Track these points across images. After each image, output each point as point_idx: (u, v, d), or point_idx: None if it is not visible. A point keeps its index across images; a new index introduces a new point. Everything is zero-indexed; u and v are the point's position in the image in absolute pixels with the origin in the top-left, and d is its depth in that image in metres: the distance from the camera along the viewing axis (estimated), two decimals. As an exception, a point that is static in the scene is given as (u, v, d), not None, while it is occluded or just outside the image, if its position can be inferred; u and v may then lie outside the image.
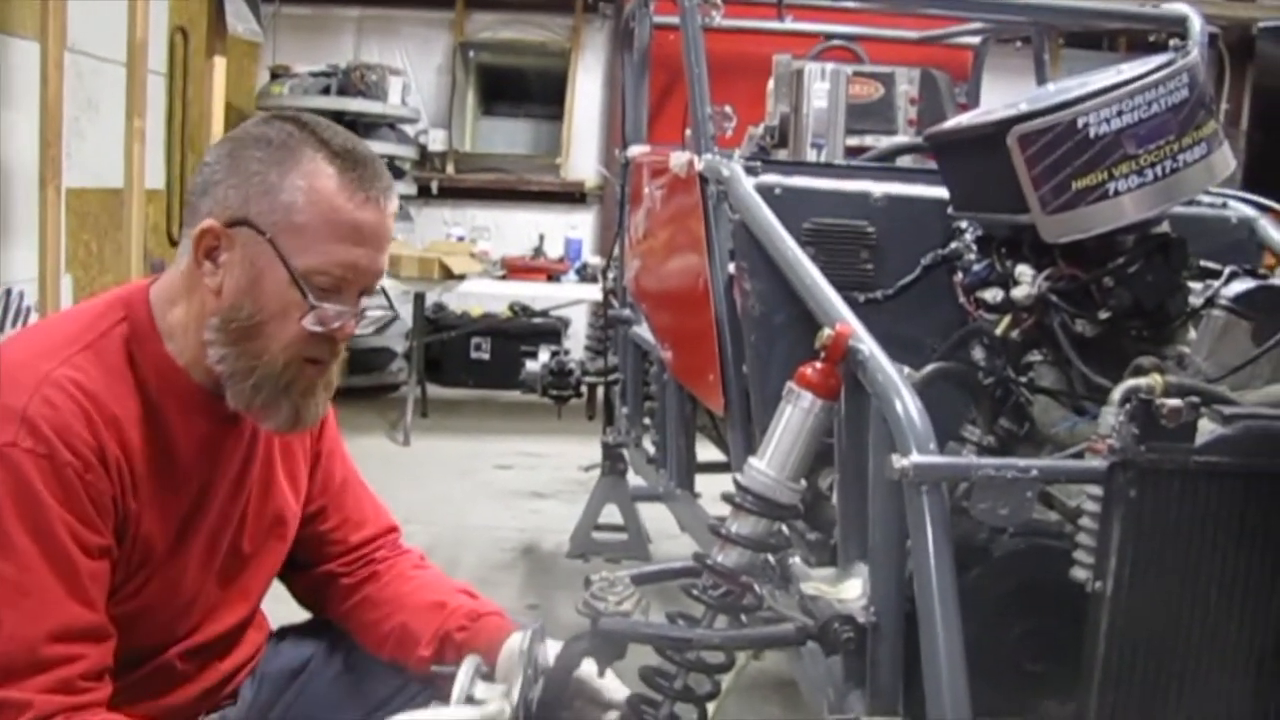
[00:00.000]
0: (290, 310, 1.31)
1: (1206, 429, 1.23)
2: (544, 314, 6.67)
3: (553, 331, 6.60)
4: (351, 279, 1.34)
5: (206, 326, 1.33)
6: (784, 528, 1.59)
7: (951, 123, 1.90)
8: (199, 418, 1.38)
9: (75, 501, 1.23)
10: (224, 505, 1.44)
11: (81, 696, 1.22)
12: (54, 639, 1.21)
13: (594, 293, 5.78)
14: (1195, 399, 1.23)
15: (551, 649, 1.43)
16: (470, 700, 1.33)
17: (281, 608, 1.70)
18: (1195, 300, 1.63)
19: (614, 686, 1.46)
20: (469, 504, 4.60)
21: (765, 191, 1.96)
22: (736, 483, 1.51)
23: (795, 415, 1.49)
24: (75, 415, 1.25)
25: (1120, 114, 1.52)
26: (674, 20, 2.47)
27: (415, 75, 6.88)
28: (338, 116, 6.23)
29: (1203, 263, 1.72)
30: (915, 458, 1.31)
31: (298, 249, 1.30)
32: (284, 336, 1.32)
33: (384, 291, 1.34)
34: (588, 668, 1.42)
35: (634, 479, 3.60)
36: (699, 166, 2.20)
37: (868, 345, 1.48)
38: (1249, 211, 2.10)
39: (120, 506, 1.29)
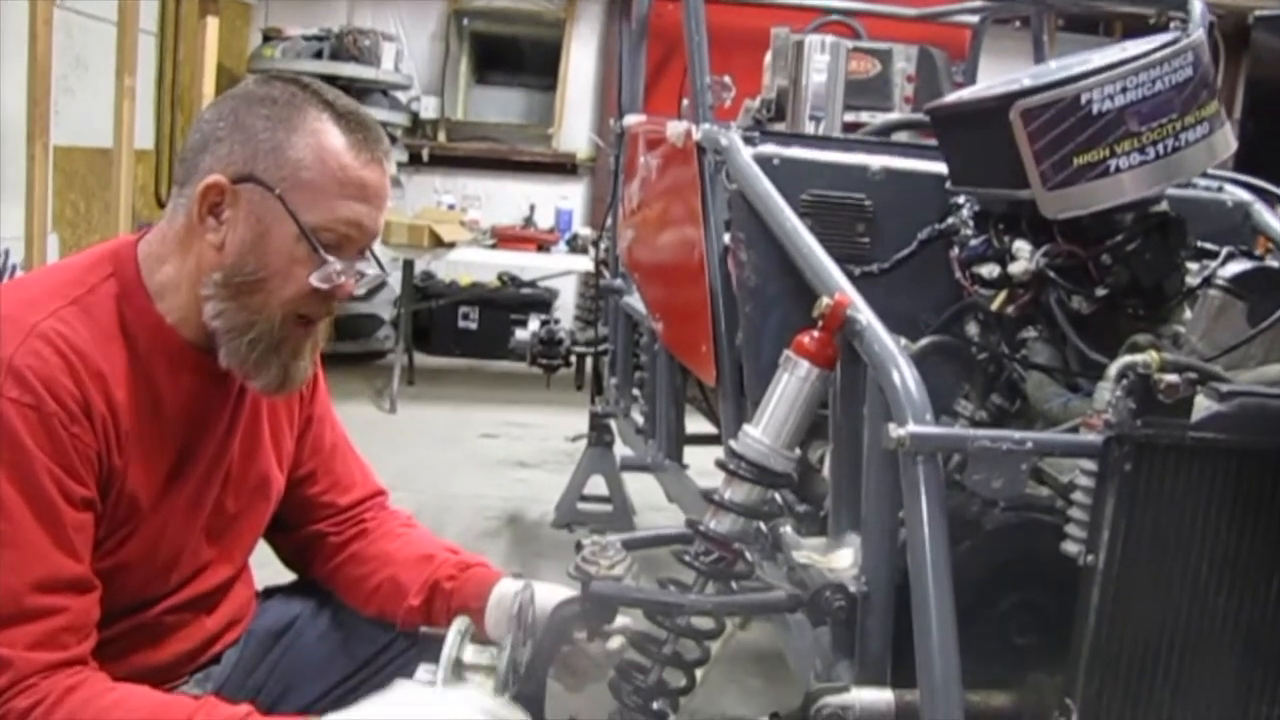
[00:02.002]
0: (294, 267, 1.32)
1: (1202, 405, 1.23)
2: (532, 284, 6.65)
3: (541, 302, 6.59)
4: (355, 236, 1.36)
5: (205, 283, 1.33)
6: (777, 496, 1.59)
7: (953, 97, 1.89)
8: (187, 375, 1.37)
9: (61, 452, 1.22)
10: (209, 463, 1.43)
11: (63, 652, 1.21)
12: (38, 589, 1.20)
13: (583, 264, 5.78)
14: (1192, 375, 1.23)
15: (542, 593, 1.43)
16: (459, 664, 1.32)
17: (265, 571, 1.70)
18: (1192, 280, 1.64)
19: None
20: (454, 472, 4.60)
21: (763, 162, 1.95)
22: (730, 449, 1.51)
23: (791, 383, 1.49)
24: (61, 369, 1.24)
25: (1124, 91, 1.51)
26: (674, -11, 2.45)
27: (409, 42, 6.82)
28: (330, 81, 6.07)
29: (1200, 244, 1.72)
30: (912, 427, 1.31)
31: (306, 205, 1.31)
32: (285, 293, 1.33)
33: (374, 255, 1.39)
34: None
35: (621, 449, 3.61)
36: (697, 136, 2.19)
37: (865, 315, 1.48)
38: (1245, 195, 2.10)
39: (105, 462, 1.28)
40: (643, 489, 3.71)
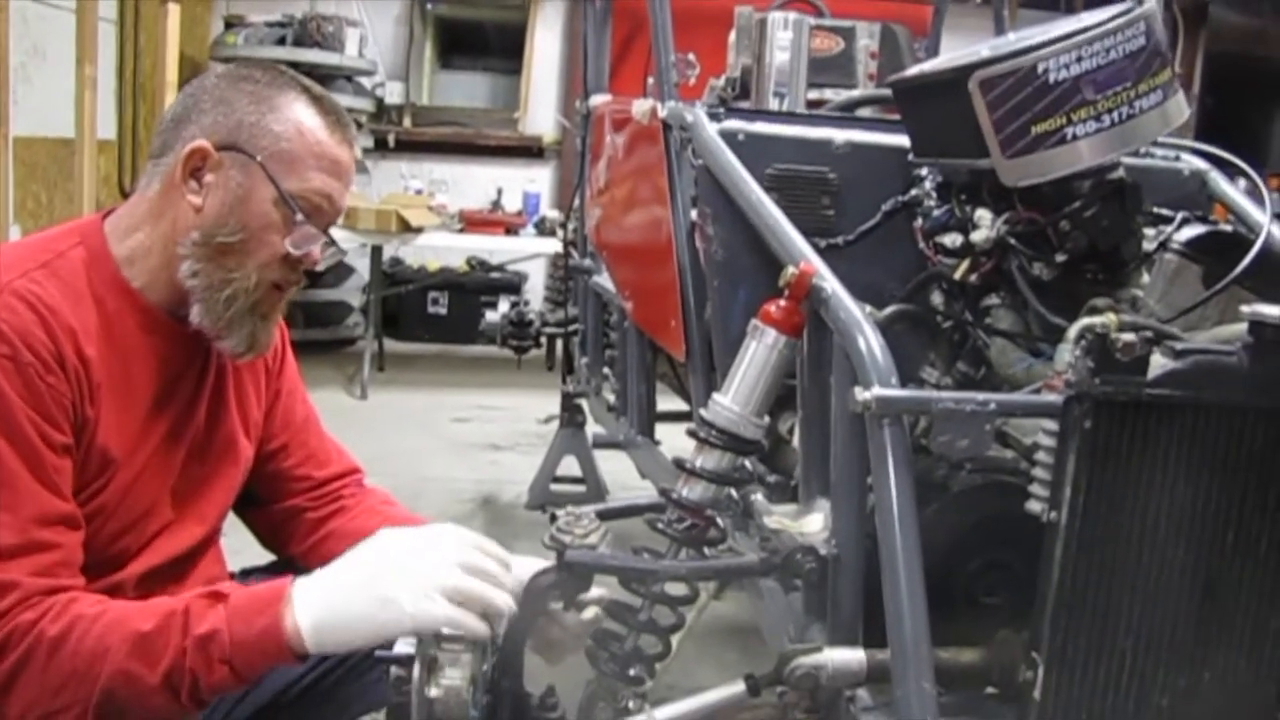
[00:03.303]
0: (270, 231, 1.40)
1: (1158, 363, 1.26)
2: (501, 268, 6.65)
3: (510, 286, 6.60)
4: (326, 209, 1.44)
5: (182, 242, 1.39)
6: (748, 463, 1.61)
7: (915, 69, 1.92)
8: (155, 337, 1.43)
9: (38, 400, 1.27)
10: (175, 423, 1.48)
11: (57, 580, 1.26)
12: (33, 523, 1.25)
13: (552, 246, 5.78)
14: (1148, 334, 1.27)
15: (518, 565, 1.45)
16: (437, 635, 1.34)
17: (241, 557, 1.71)
18: (1149, 245, 1.67)
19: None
20: (427, 456, 4.61)
21: (729, 137, 1.96)
22: (700, 417, 1.54)
23: (759, 351, 1.52)
24: (34, 322, 1.29)
25: (1079, 60, 1.54)
26: (637, -32, 2.46)
27: (372, 27, 6.80)
28: (293, 68, 6.10)
29: (1156, 210, 1.76)
30: (877, 390, 1.34)
31: (285, 173, 1.40)
32: (261, 255, 1.40)
33: (329, 236, 1.48)
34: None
35: (593, 429, 3.63)
36: (662, 113, 2.21)
37: (831, 283, 1.51)
38: (1201, 164, 2.14)
39: (79, 411, 1.33)
40: (616, 469, 3.73)
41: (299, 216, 1.40)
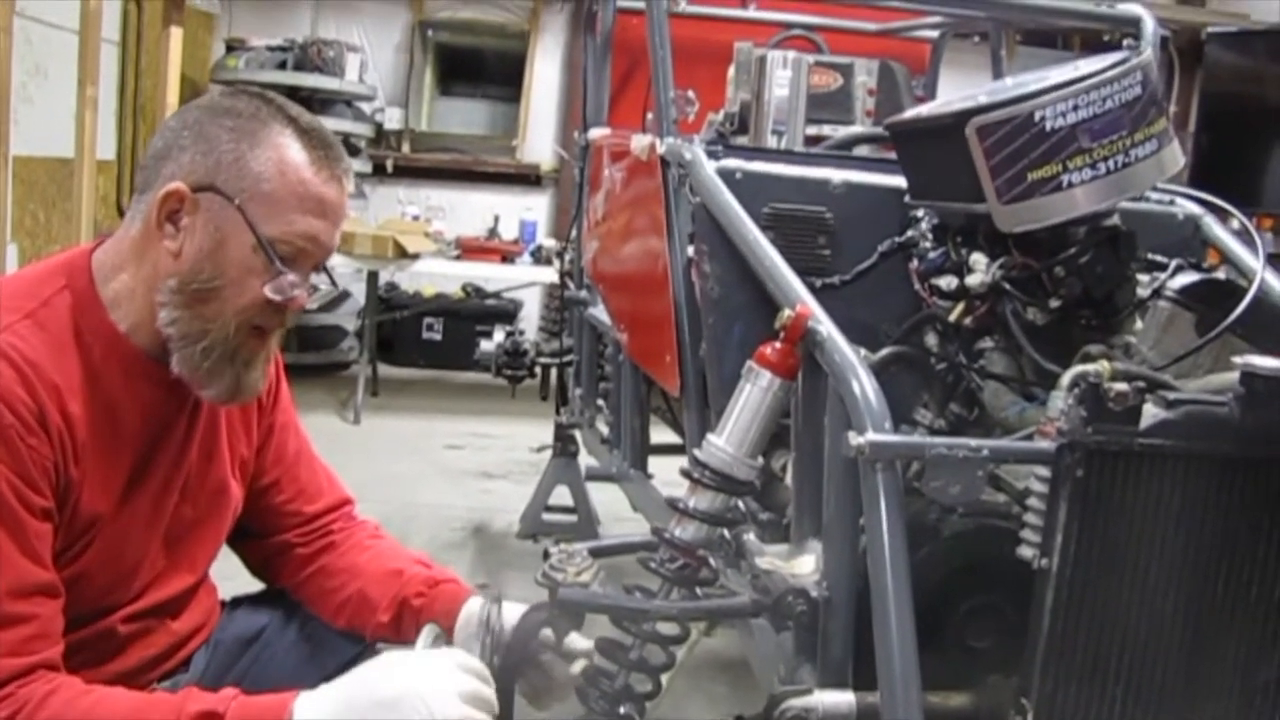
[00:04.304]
0: (249, 277, 1.34)
1: (1151, 413, 1.27)
2: (497, 296, 6.66)
3: (505, 313, 6.60)
4: (311, 251, 1.37)
5: (160, 289, 1.34)
6: (740, 504, 1.62)
7: (912, 113, 1.93)
8: (142, 383, 1.38)
9: (19, 463, 1.23)
10: (167, 470, 1.44)
11: (35, 657, 1.23)
12: (10, 596, 1.21)
13: (548, 275, 5.78)
14: (1141, 384, 1.28)
15: (509, 611, 1.45)
16: None
17: (234, 583, 1.71)
18: (1142, 291, 1.68)
19: (577, 638, 1.50)
20: (419, 483, 4.60)
21: (726, 175, 1.98)
22: (694, 458, 1.54)
23: (754, 393, 1.52)
24: (16, 381, 1.25)
25: (1076, 108, 1.55)
26: (638, 4, 2.48)
27: (373, 53, 6.82)
28: (293, 92, 6.16)
29: (1150, 256, 1.77)
30: (871, 436, 1.34)
31: (264, 217, 1.33)
32: (240, 302, 1.34)
33: (328, 271, 1.40)
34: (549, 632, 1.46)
35: (586, 459, 3.63)
36: (661, 150, 2.22)
37: (826, 327, 1.51)
38: (1195, 209, 2.15)
39: (62, 473, 1.29)
40: (608, 500, 3.73)
41: (278, 264, 1.33)
